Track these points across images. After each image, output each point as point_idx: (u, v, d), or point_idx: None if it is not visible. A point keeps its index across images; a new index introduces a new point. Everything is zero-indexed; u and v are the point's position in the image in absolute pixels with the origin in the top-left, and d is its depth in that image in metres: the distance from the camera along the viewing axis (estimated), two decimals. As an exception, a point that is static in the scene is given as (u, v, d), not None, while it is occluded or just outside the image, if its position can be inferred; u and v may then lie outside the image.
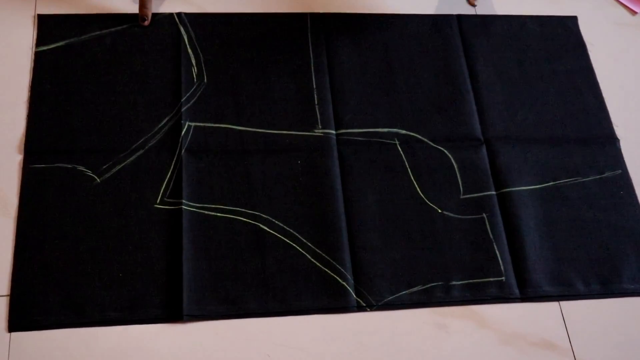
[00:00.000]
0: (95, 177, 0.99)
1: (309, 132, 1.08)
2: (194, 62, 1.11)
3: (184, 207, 0.98)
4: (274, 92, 1.10)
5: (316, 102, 1.10)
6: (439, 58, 1.18)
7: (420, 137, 1.10)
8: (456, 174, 1.07)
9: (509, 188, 1.07)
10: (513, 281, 1.00)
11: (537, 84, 1.18)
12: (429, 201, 1.04)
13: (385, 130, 1.10)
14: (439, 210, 1.04)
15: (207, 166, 1.02)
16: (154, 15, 1.13)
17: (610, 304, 1.01)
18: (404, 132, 1.10)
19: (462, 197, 1.05)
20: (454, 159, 1.08)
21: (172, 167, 1.01)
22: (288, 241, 0.98)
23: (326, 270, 0.97)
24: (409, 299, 0.97)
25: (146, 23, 1.11)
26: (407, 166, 1.07)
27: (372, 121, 1.10)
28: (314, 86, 1.12)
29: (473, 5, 1.21)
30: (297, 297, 0.95)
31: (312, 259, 0.98)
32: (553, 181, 1.09)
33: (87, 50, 1.09)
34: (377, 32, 1.19)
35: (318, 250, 0.98)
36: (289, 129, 1.07)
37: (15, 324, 0.89)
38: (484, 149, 1.10)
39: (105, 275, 0.93)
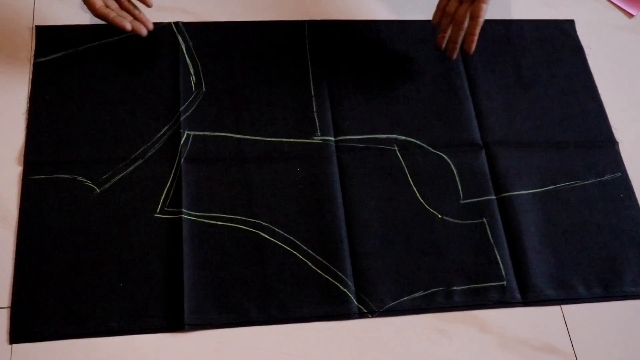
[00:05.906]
0: (95, 188, 0.99)
1: (308, 139, 1.08)
2: (192, 71, 1.11)
3: (184, 216, 0.98)
4: (273, 100, 1.11)
5: (314, 109, 1.10)
6: (437, 63, 1.18)
7: (419, 142, 1.10)
8: (456, 179, 1.07)
9: (508, 192, 1.07)
10: (514, 286, 1.00)
11: (535, 88, 1.18)
12: (429, 207, 1.04)
13: (384, 136, 1.10)
14: (439, 216, 1.04)
15: (207, 175, 1.02)
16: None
17: (612, 307, 1.01)
18: (403, 137, 1.10)
19: (462, 202, 1.05)
20: (454, 164, 1.08)
21: (171, 176, 1.01)
22: (288, 249, 0.98)
23: (327, 277, 0.97)
24: (411, 305, 0.97)
25: (143, 32, 1.05)
26: (407, 172, 1.07)
27: (370, 127, 1.10)
28: (312, 93, 1.12)
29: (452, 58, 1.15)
30: (299, 304, 0.95)
31: (313, 266, 0.97)
32: (553, 185, 1.09)
33: (85, 61, 1.10)
34: (375, 38, 1.19)
35: (319, 258, 0.98)
36: (288, 136, 1.07)
37: (17, 335, 0.88)
38: (483, 154, 1.10)
39: (105, 285, 0.93)
